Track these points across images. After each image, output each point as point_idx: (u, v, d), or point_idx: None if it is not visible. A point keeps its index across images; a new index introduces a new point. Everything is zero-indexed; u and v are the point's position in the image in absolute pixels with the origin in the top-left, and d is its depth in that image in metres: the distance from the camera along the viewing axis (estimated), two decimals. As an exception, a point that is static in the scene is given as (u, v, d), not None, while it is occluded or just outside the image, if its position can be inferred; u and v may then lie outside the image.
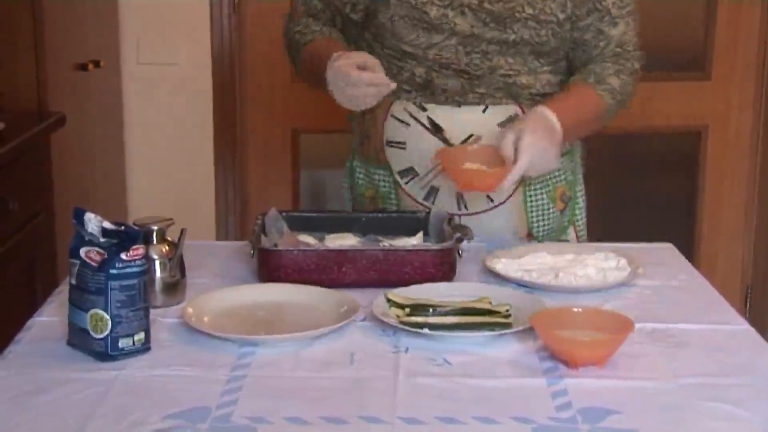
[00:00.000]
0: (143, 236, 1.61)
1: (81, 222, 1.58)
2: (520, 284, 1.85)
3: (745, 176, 3.81)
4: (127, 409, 1.41)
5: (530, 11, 2.02)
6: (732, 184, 3.82)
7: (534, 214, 2.15)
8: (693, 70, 3.78)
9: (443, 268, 1.85)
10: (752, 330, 1.72)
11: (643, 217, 3.85)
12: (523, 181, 2.10)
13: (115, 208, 3.59)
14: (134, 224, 1.71)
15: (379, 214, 2.08)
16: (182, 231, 1.77)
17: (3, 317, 2.40)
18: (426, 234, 2.00)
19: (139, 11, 3.61)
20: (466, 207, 2.12)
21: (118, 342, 1.55)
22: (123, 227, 1.59)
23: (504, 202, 2.12)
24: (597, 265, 1.90)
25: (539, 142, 1.89)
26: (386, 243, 1.93)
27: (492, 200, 2.11)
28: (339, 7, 2.15)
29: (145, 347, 1.58)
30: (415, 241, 1.96)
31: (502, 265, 1.92)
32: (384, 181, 2.18)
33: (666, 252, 2.10)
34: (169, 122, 3.71)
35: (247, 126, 3.75)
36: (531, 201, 2.15)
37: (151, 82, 3.67)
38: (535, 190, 2.14)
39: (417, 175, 2.12)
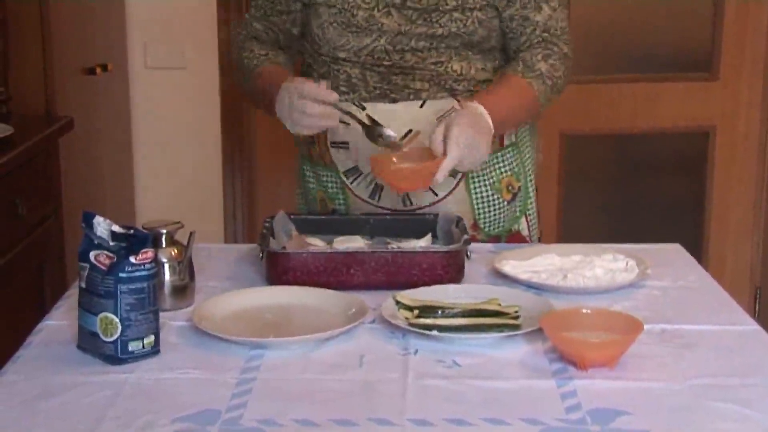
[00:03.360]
0: (152, 239, 1.61)
1: (90, 225, 1.58)
2: (529, 286, 1.85)
3: (753, 176, 3.81)
4: (137, 412, 1.41)
5: (453, 2, 2.05)
6: (740, 185, 3.81)
7: (479, 205, 2.17)
8: (700, 71, 3.77)
9: (452, 270, 1.85)
10: (761, 330, 1.71)
11: (651, 218, 3.84)
12: (463, 175, 2.13)
13: (124, 212, 3.60)
14: (143, 227, 1.71)
15: (387, 217, 2.08)
16: (191, 234, 1.78)
17: (13, 321, 2.41)
18: (434, 236, 2.00)
19: (146, 15, 3.62)
20: (411, 202, 2.13)
21: (127, 345, 1.55)
22: (132, 231, 1.59)
23: (448, 194, 2.13)
24: (605, 266, 1.90)
25: (468, 134, 1.89)
26: (394, 245, 1.93)
27: (436, 194, 2.13)
28: (279, 24, 2.19)
29: (155, 350, 1.59)
30: (423, 243, 1.96)
31: (510, 266, 1.92)
32: (331, 182, 2.20)
33: (674, 253, 2.09)
34: (177, 126, 3.72)
35: (255, 129, 3.76)
36: (475, 192, 2.16)
37: (158, 85, 3.67)
38: (478, 181, 2.15)
39: (361, 173, 2.14)
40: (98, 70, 3.27)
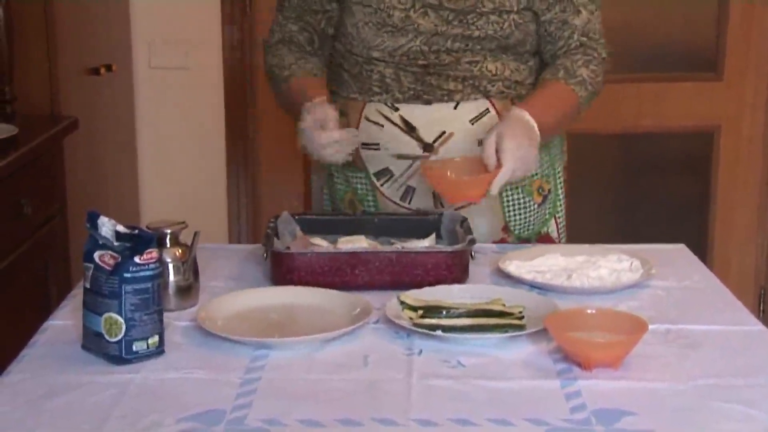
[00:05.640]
0: (157, 240, 1.61)
1: (94, 226, 1.59)
2: (533, 286, 1.85)
3: (758, 177, 3.80)
4: (141, 412, 1.41)
5: (491, 5, 2.05)
6: (745, 185, 3.81)
7: (511, 208, 2.17)
8: (705, 71, 3.77)
9: (456, 270, 1.85)
10: (766, 331, 1.71)
11: (656, 218, 3.84)
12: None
13: (128, 212, 3.60)
14: (147, 228, 1.71)
15: (392, 217, 2.08)
16: (195, 234, 1.78)
17: (17, 320, 2.41)
18: (438, 236, 2.00)
19: (150, 15, 3.62)
20: (442, 205, 2.13)
21: (132, 345, 1.55)
22: (136, 231, 1.59)
23: None
24: (610, 267, 1.90)
25: (521, 145, 1.90)
26: (399, 245, 1.93)
27: None
28: (314, 25, 2.18)
29: (159, 350, 1.59)
30: (427, 243, 1.96)
31: (514, 266, 1.92)
32: (361, 183, 2.19)
33: (679, 253, 2.09)
34: (181, 126, 3.72)
35: (259, 129, 3.76)
36: (507, 196, 2.16)
37: (163, 86, 3.67)
38: (510, 185, 2.14)
39: (393, 175, 2.14)
40: (102, 70, 3.27)
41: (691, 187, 3.89)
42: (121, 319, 1.55)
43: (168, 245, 1.76)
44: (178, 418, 1.39)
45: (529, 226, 2.19)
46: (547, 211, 2.22)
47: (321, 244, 1.94)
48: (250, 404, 1.43)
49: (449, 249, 1.88)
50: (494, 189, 1.90)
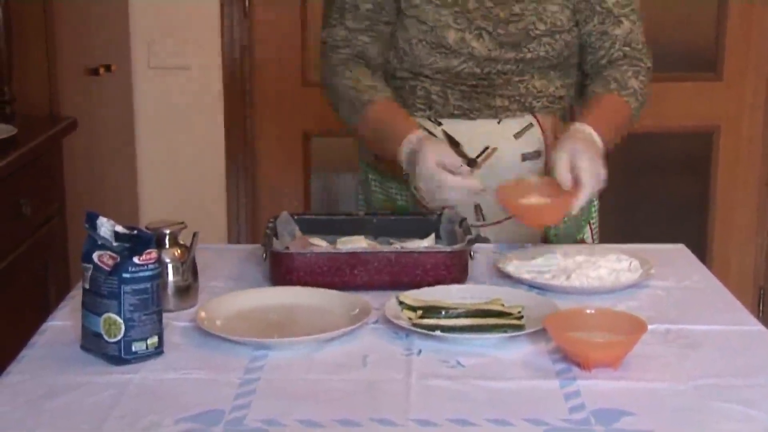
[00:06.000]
0: (156, 240, 1.61)
1: (93, 226, 1.58)
2: (532, 286, 1.85)
3: (757, 177, 3.80)
4: (140, 412, 1.41)
5: (542, 27, 2.05)
6: (744, 185, 3.81)
7: None
8: (704, 71, 3.77)
9: (455, 270, 1.85)
10: (765, 331, 1.71)
11: (655, 218, 3.84)
12: None
13: (127, 212, 3.60)
14: (146, 228, 1.71)
15: (391, 217, 2.08)
16: (194, 234, 1.77)
17: (16, 321, 2.41)
18: (438, 236, 2.00)
19: (150, 16, 3.62)
20: (483, 218, 2.12)
21: (131, 346, 1.55)
22: (135, 231, 1.59)
23: None
24: (609, 267, 1.90)
25: (593, 162, 1.88)
26: (398, 245, 1.93)
27: None
28: (384, 35, 2.10)
29: (159, 351, 1.59)
30: (426, 243, 1.96)
31: (513, 266, 1.92)
32: (401, 195, 2.19)
33: (678, 253, 2.09)
34: (180, 126, 3.72)
35: (258, 130, 3.76)
36: None
37: (162, 86, 3.68)
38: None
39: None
40: (102, 70, 3.27)
41: (691, 187, 3.89)
42: (120, 320, 1.54)
43: (167, 245, 1.76)
44: (177, 419, 1.39)
45: (567, 232, 2.18)
46: (583, 218, 2.21)
47: (320, 244, 1.94)
48: (249, 404, 1.43)
49: (448, 249, 1.88)
50: (575, 209, 1.88)
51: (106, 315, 1.55)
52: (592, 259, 1.94)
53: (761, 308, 3.85)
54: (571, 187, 1.87)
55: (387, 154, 2.04)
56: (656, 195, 3.87)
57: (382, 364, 1.57)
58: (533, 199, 1.91)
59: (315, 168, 3.87)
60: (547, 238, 2.16)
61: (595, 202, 2.26)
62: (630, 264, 1.92)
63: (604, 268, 1.89)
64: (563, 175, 1.87)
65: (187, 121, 3.72)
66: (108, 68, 3.31)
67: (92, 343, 1.58)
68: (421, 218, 2.06)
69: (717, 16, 3.71)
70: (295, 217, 2.02)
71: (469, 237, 1.89)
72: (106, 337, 1.56)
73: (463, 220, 1.99)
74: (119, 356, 1.55)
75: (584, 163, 1.86)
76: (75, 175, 3.01)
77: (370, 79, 2.10)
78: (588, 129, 1.95)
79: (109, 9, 3.48)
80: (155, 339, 1.58)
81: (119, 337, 1.55)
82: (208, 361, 1.57)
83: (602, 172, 1.90)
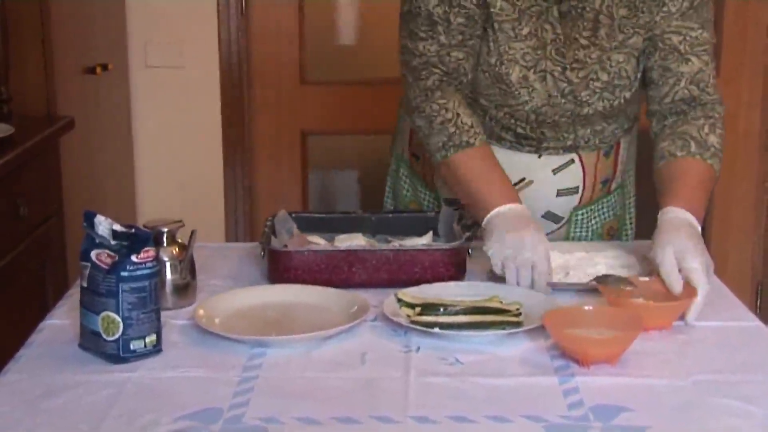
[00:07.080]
0: (153, 238, 1.61)
1: (91, 225, 1.58)
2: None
3: (754, 173, 3.80)
4: (139, 410, 1.41)
5: (605, 77, 1.96)
6: (742, 182, 3.81)
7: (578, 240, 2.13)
8: (701, 68, 3.76)
9: (453, 268, 1.85)
10: (763, 326, 1.72)
11: (652, 215, 3.83)
12: (567, 223, 2.12)
13: (125, 211, 3.60)
14: (144, 226, 1.71)
15: (389, 214, 2.08)
16: (192, 233, 1.78)
17: (15, 320, 2.41)
18: (436, 234, 2.00)
19: (146, 15, 3.62)
20: None
21: (129, 344, 1.55)
22: (133, 230, 1.59)
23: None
24: (607, 263, 1.90)
25: (703, 257, 1.73)
26: (396, 243, 1.93)
27: None
28: (475, 49, 1.97)
29: (157, 349, 1.59)
30: (424, 240, 1.96)
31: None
32: (429, 201, 2.20)
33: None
34: (177, 125, 3.72)
35: (256, 128, 3.76)
36: (575, 239, 2.13)
37: (159, 85, 3.68)
38: (579, 229, 2.13)
39: (462, 207, 2.00)
40: (98, 69, 3.27)
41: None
42: (118, 318, 1.54)
43: (165, 244, 1.76)
44: (176, 417, 1.39)
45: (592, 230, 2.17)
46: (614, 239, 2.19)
47: (318, 242, 1.94)
48: (247, 402, 1.43)
49: (446, 246, 1.88)
50: (692, 318, 1.70)
51: (104, 313, 1.55)
52: (590, 255, 1.94)
53: (759, 304, 3.86)
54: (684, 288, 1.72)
55: (468, 204, 1.94)
56: (654, 192, 3.86)
57: (380, 362, 1.57)
58: (641, 300, 1.71)
59: (313, 166, 3.87)
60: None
61: (630, 230, 2.24)
62: (627, 260, 1.91)
63: (602, 264, 1.89)
64: (672, 276, 1.72)
65: (184, 120, 3.72)
66: (105, 67, 3.31)
67: (90, 341, 1.58)
68: (419, 216, 2.06)
69: (713, 13, 3.70)
70: (293, 215, 2.02)
71: (467, 234, 1.89)
72: (104, 336, 1.55)
73: (462, 217, 1.99)
74: (117, 355, 1.55)
75: (695, 263, 1.71)
76: (72, 174, 3.01)
77: (468, 116, 1.95)
78: (685, 215, 1.80)
79: (106, 8, 3.47)
80: (153, 337, 1.58)
81: (117, 336, 1.55)
82: (206, 359, 1.57)
83: (711, 265, 1.75)
